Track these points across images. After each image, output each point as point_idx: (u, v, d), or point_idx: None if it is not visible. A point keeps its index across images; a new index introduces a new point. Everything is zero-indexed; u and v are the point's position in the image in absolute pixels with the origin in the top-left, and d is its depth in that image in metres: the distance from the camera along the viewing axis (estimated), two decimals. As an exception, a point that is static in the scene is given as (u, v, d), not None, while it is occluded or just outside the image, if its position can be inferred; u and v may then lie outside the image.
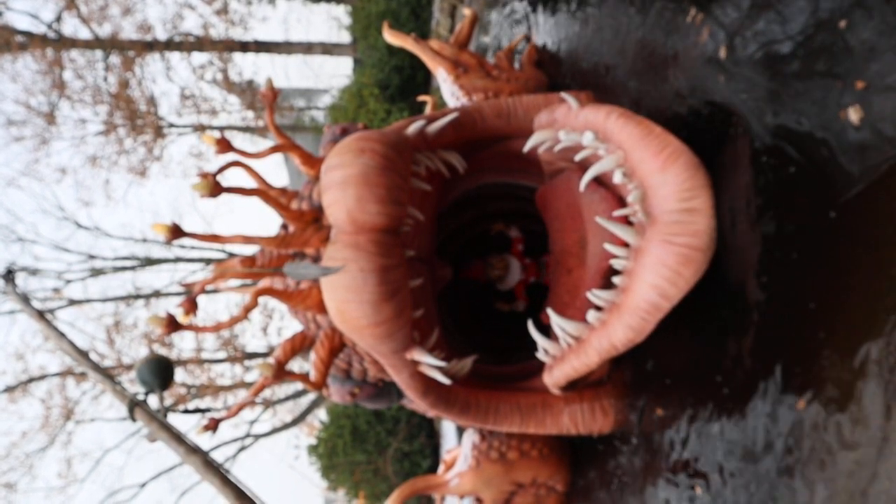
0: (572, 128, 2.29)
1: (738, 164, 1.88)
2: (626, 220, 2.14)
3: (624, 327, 2.03)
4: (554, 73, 3.75)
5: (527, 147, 2.56)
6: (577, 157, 2.30)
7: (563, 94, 2.50)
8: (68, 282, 16.81)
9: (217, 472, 2.31)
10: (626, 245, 2.06)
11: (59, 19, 15.16)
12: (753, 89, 1.81)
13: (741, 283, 1.87)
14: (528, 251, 4.03)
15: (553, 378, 2.47)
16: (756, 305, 1.79)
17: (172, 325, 2.32)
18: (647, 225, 1.93)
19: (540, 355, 2.51)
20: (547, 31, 3.94)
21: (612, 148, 2.08)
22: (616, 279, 2.10)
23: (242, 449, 16.45)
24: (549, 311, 2.41)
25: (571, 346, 2.33)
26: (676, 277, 1.85)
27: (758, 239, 1.78)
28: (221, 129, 17.39)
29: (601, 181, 2.54)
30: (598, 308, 2.19)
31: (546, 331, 2.60)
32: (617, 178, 2.05)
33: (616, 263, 2.08)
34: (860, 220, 1.43)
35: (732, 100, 1.91)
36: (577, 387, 2.71)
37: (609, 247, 2.11)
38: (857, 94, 1.44)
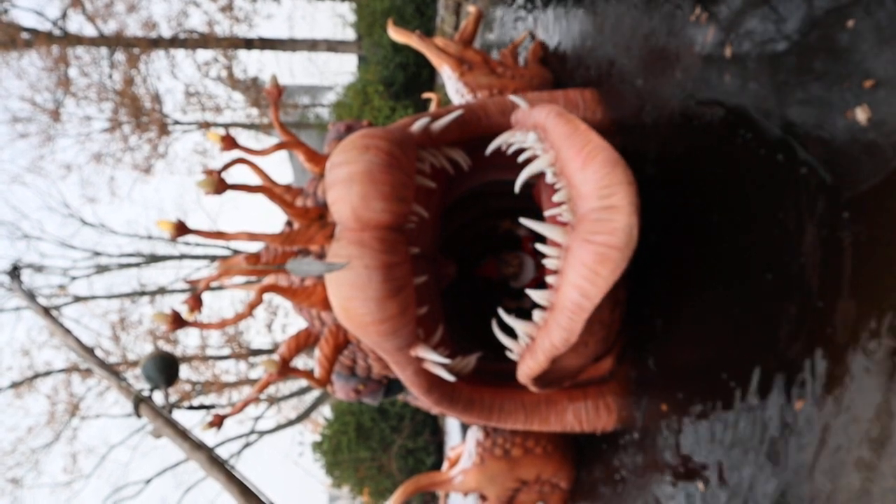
0: (525, 128, 2.30)
1: (745, 164, 1.88)
2: (555, 220, 2.13)
3: (557, 327, 2.02)
4: (559, 71, 3.74)
5: (489, 150, 2.56)
6: (520, 159, 2.31)
7: (513, 97, 2.51)
8: (73, 278, 16.87)
9: (222, 468, 2.32)
10: (559, 245, 2.06)
11: (64, 16, 15.19)
12: (759, 88, 1.80)
13: (750, 279, 1.86)
14: None
15: (519, 376, 2.48)
16: (764, 302, 1.79)
17: (177, 321, 2.32)
18: (575, 224, 1.93)
19: (509, 354, 2.51)
20: (552, 28, 3.93)
21: (547, 147, 2.08)
22: (549, 278, 2.09)
23: (247, 445, 16.49)
24: (500, 311, 2.41)
25: (528, 345, 2.33)
26: (594, 277, 1.83)
27: (766, 236, 1.78)
28: (226, 126, 17.42)
29: None
30: (544, 307, 2.19)
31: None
32: (548, 178, 2.05)
33: (548, 263, 2.08)
34: (869, 219, 1.43)
35: (738, 99, 1.90)
36: (559, 384, 2.70)
37: (540, 246, 2.11)
38: (865, 93, 1.43)
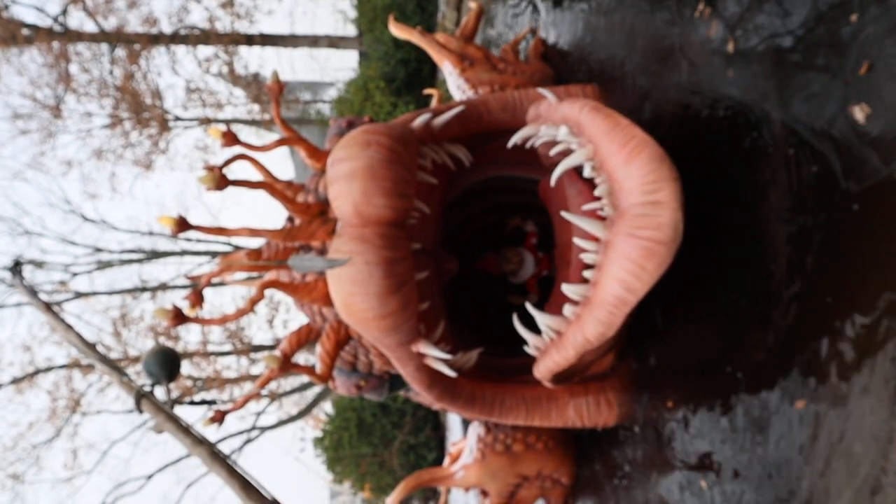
0: (553, 122, 2.29)
1: (750, 159, 1.88)
2: (596, 214, 2.13)
3: (594, 321, 2.02)
4: (560, 66, 3.74)
5: (511, 142, 2.56)
6: (552, 152, 2.30)
7: (541, 90, 2.49)
8: (75, 274, 16.90)
9: (223, 463, 2.32)
10: (597, 239, 2.06)
11: (64, 12, 15.19)
12: (763, 84, 1.80)
13: (755, 274, 1.86)
14: (541, 244, 4.04)
15: (539, 371, 2.48)
16: (770, 297, 1.78)
17: (178, 317, 2.32)
18: (615, 218, 1.93)
19: (528, 349, 2.51)
20: (553, 24, 3.92)
21: (584, 142, 2.08)
22: (587, 273, 2.09)
23: (248, 441, 16.53)
24: (528, 306, 2.41)
25: (553, 340, 2.33)
26: (640, 271, 1.83)
27: (772, 230, 1.78)
28: (227, 122, 17.41)
29: (582, 174, 2.54)
30: (575, 302, 2.19)
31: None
32: (587, 172, 2.04)
33: (586, 258, 2.08)
34: (875, 213, 1.43)
35: (742, 94, 1.90)
36: (573, 380, 2.70)
37: (578, 241, 2.10)
38: (865, 87, 1.43)
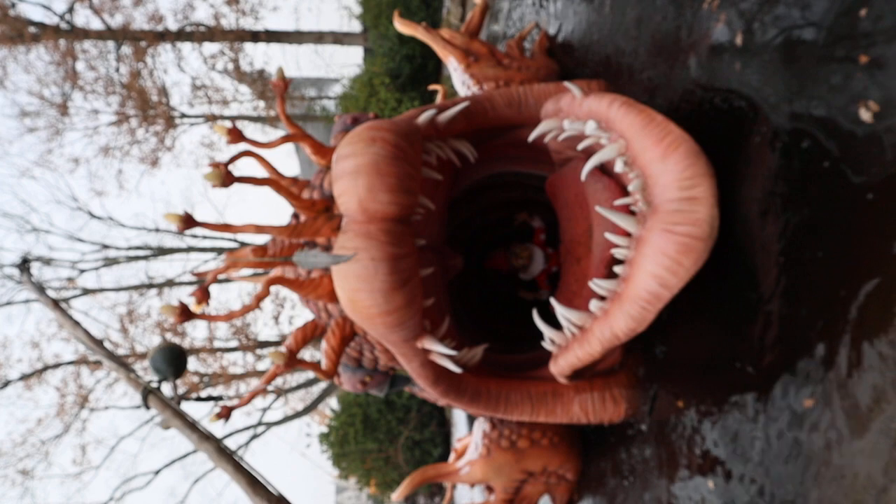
0: (576, 117, 2.28)
1: (757, 153, 1.87)
2: (627, 209, 2.12)
3: (625, 317, 2.02)
4: (566, 62, 3.72)
5: (532, 136, 2.55)
6: (580, 146, 2.29)
7: (567, 83, 2.49)
8: (82, 271, 16.98)
9: (230, 458, 2.33)
10: (627, 234, 2.05)
11: (71, 10, 15.23)
12: (770, 77, 1.79)
13: (765, 270, 1.85)
14: (549, 240, 4.03)
15: (558, 367, 2.47)
16: (781, 291, 1.78)
17: (185, 313, 2.33)
18: (648, 214, 1.92)
19: (546, 345, 2.51)
20: (558, 19, 3.91)
21: (614, 137, 2.07)
22: (617, 268, 2.09)
23: (255, 437, 16.60)
24: (553, 301, 2.41)
25: (575, 336, 2.32)
26: (677, 267, 1.83)
27: (782, 225, 1.77)
28: (233, 118, 17.45)
29: (605, 170, 2.53)
30: (601, 297, 2.18)
31: (556, 320, 2.59)
32: (618, 167, 2.04)
33: (617, 253, 2.07)
34: (888, 205, 1.42)
35: (749, 88, 1.89)
36: (585, 376, 2.70)
37: (610, 236, 2.10)
38: (874, 82, 1.42)
